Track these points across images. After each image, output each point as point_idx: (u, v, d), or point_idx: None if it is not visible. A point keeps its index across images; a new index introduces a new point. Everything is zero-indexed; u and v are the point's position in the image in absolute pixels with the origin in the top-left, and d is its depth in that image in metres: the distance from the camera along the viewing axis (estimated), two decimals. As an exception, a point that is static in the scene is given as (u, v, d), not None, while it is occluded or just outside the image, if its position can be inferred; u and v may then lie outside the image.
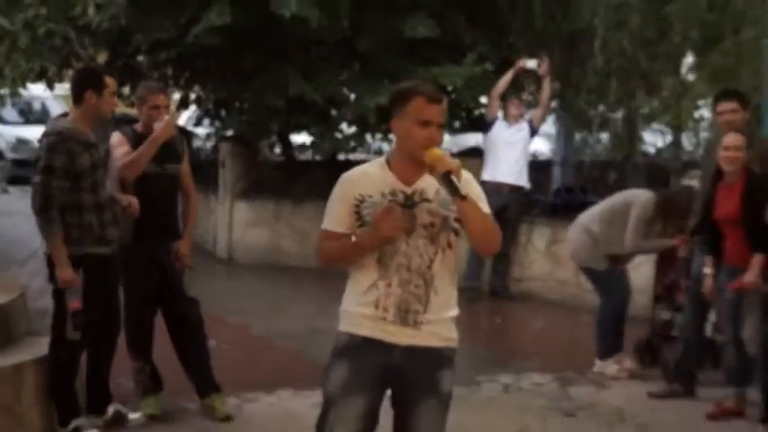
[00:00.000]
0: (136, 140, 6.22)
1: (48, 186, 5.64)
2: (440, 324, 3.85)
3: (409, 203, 3.77)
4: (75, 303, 5.70)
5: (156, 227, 6.35)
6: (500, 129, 11.01)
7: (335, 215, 3.85)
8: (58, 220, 5.67)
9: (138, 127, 6.41)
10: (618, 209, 8.06)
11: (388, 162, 3.90)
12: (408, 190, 3.78)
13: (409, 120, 3.75)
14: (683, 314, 7.70)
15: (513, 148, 10.94)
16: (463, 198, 3.56)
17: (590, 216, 8.23)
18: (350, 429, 3.82)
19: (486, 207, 3.80)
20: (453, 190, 3.54)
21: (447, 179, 3.53)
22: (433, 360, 3.86)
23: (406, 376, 3.84)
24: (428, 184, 3.77)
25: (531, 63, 11.15)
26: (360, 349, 3.83)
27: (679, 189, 8.68)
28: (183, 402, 6.60)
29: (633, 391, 7.49)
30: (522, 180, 11.01)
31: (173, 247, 6.43)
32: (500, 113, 11.03)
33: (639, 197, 8.08)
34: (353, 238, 3.83)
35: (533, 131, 11.28)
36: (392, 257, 3.77)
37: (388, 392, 3.93)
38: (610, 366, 7.96)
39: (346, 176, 3.91)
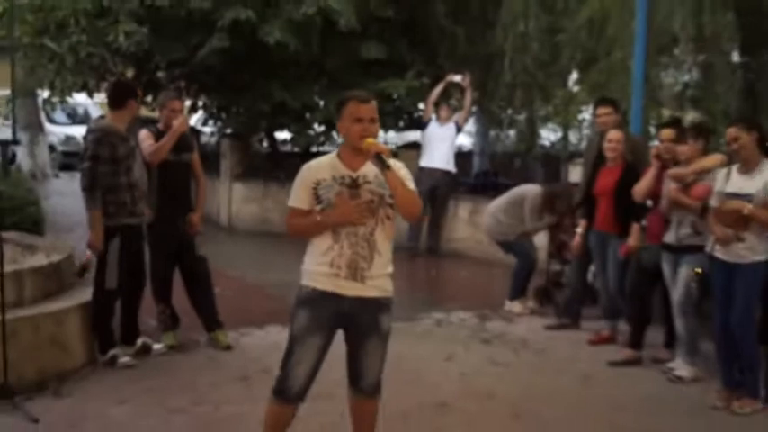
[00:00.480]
0: (158, 136, 6.28)
1: (94, 171, 5.75)
2: (380, 279, 3.95)
3: (354, 185, 3.87)
4: (88, 256, 5.93)
5: (174, 203, 6.39)
6: (433, 127, 11.02)
7: (299, 196, 3.95)
8: (99, 198, 5.77)
9: (160, 126, 6.41)
10: (514, 201, 8.18)
11: (338, 154, 3.98)
12: (354, 174, 3.89)
13: (347, 120, 3.90)
14: (569, 267, 7.81)
15: (444, 142, 10.96)
16: (389, 168, 3.70)
17: (495, 206, 8.31)
18: (309, 360, 3.92)
19: (411, 185, 3.91)
20: (382, 164, 3.71)
21: (378, 157, 3.71)
22: (375, 307, 3.95)
23: (354, 320, 3.94)
24: (369, 170, 3.88)
25: (456, 78, 11.18)
26: (318, 300, 3.91)
27: (560, 186, 8.77)
28: (195, 336, 6.59)
29: (533, 324, 7.56)
30: (450, 166, 11.03)
31: (187, 218, 6.44)
32: (433, 116, 11.05)
33: (530, 192, 8.20)
34: (318, 217, 3.88)
35: (459, 129, 11.30)
36: (343, 228, 3.86)
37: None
38: (516, 306, 8.05)
39: (306, 166, 4.02)
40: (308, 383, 3.97)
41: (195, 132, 11.38)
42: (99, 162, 5.78)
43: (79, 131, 12.70)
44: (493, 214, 8.31)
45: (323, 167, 3.97)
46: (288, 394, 3.95)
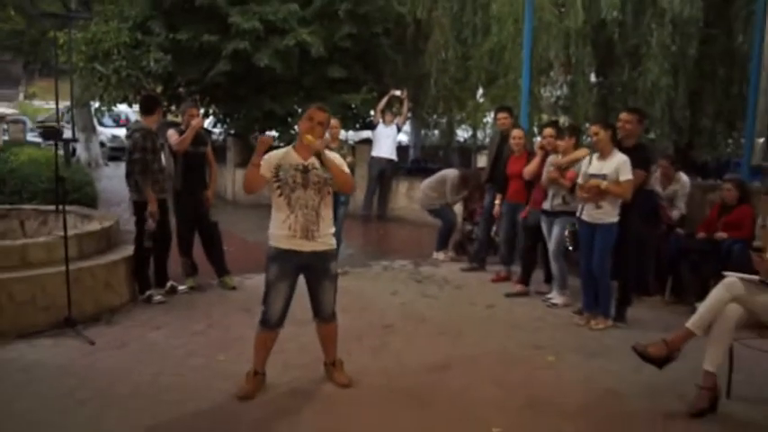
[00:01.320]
0: (182, 134, 6.15)
1: (145, 159, 5.71)
2: (326, 237, 3.98)
3: (305, 170, 3.90)
4: (152, 226, 5.76)
5: (194, 182, 6.26)
6: (381, 128, 10.91)
7: (264, 166, 3.89)
8: (150, 178, 5.71)
9: (183, 127, 6.26)
10: (439, 180, 8.11)
11: (294, 147, 4.00)
12: (305, 163, 3.92)
13: (304, 118, 3.93)
14: (478, 226, 7.83)
15: (388, 138, 10.87)
16: (320, 158, 3.80)
17: (426, 184, 8.22)
18: (281, 299, 3.95)
19: (345, 169, 3.98)
20: (318, 156, 3.81)
21: (315, 154, 3.81)
22: (324, 257, 3.99)
23: (310, 267, 3.99)
24: (316, 160, 3.88)
25: (397, 92, 11.11)
26: (282, 255, 3.93)
27: (471, 170, 8.79)
28: (209, 280, 6.49)
29: (453, 268, 7.54)
30: (393, 156, 10.94)
31: (203, 194, 6.33)
32: (380, 119, 10.96)
33: (450, 174, 8.17)
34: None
35: (399, 129, 11.20)
36: (297, 202, 3.89)
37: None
38: (441, 255, 8.05)
39: (273, 153, 4.00)
40: (283, 315, 3.97)
41: (208, 132, 11.23)
42: (147, 152, 5.73)
43: (122, 132, 12.64)
44: (424, 190, 8.28)
45: (284, 156, 3.96)
46: (269, 324, 3.97)
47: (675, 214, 6.58)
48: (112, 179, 13.49)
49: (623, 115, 5.59)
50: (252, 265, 6.83)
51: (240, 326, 5.18)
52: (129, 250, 5.95)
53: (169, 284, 6.15)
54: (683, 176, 6.74)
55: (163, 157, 6.08)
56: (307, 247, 3.90)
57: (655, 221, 6.42)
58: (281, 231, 3.93)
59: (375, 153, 10.87)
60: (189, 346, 4.79)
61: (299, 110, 12.36)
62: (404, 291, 6.57)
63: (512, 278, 6.88)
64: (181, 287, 6.23)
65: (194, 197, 6.27)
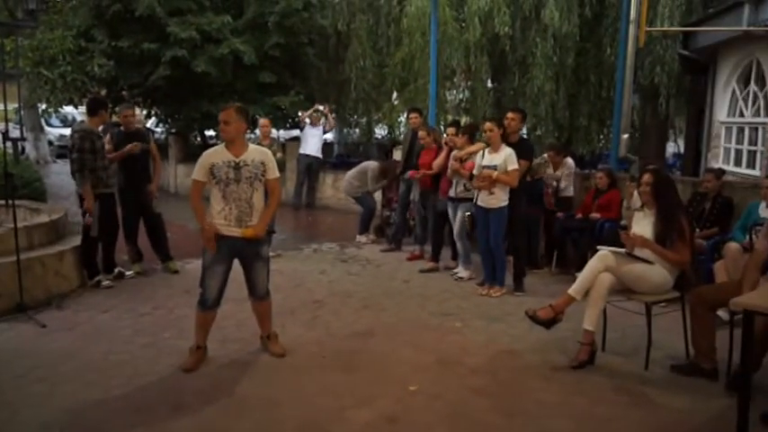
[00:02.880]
0: (118, 136, 5.95)
1: (82, 158, 5.38)
2: (258, 225, 3.85)
3: (237, 167, 3.76)
4: (89, 221, 5.46)
5: (136, 177, 6.01)
6: (308, 128, 10.74)
7: (198, 172, 3.82)
8: (88, 176, 5.41)
9: (122, 128, 6.03)
10: (361, 171, 8.06)
11: (225, 146, 3.83)
12: (236, 160, 3.78)
13: (221, 124, 3.81)
14: (395, 213, 7.84)
15: (314, 137, 10.71)
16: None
17: (350, 175, 8.15)
18: (217, 281, 3.82)
19: (276, 171, 3.90)
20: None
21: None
22: (256, 242, 3.87)
23: (244, 251, 3.86)
24: (247, 156, 3.79)
25: (320, 107, 11.01)
26: (219, 239, 3.77)
27: (388, 162, 8.79)
28: (153, 266, 6.23)
29: (374, 249, 7.54)
30: (319, 153, 10.78)
31: (147, 188, 6.05)
32: (308, 120, 10.81)
33: (371, 165, 8.14)
34: (205, 224, 3.78)
35: (325, 131, 11.15)
36: (231, 195, 3.76)
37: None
38: (363, 238, 8.03)
39: (205, 152, 3.90)
40: (219, 296, 3.86)
41: (151, 131, 10.80)
42: (84, 152, 5.40)
43: (67, 131, 11.94)
44: (348, 179, 8.20)
45: (215, 154, 3.81)
46: (206, 304, 3.85)
47: (564, 189, 6.75)
48: (60, 175, 12.80)
49: (510, 114, 5.72)
50: (193, 251, 6.61)
51: (183, 306, 5.01)
52: (77, 240, 5.66)
53: (117, 270, 5.88)
54: (569, 161, 6.97)
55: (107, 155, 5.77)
56: (239, 233, 3.78)
57: (539, 205, 6.63)
58: (217, 221, 3.79)
59: (303, 150, 10.73)
60: (136, 326, 4.59)
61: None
62: (331, 270, 6.52)
63: (425, 256, 6.93)
64: (128, 273, 5.96)
65: (137, 191, 6.01)
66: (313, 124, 10.76)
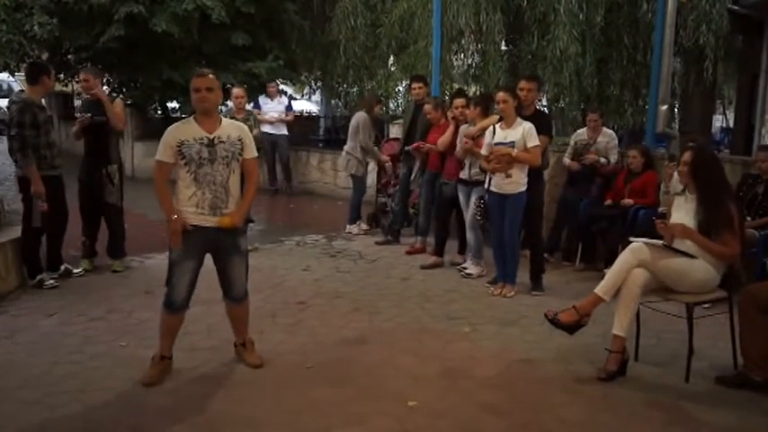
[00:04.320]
0: (83, 105, 6.06)
1: (23, 135, 5.33)
2: (235, 212, 3.83)
3: (211, 144, 3.72)
4: (44, 206, 5.42)
5: (91, 156, 6.06)
6: (266, 102, 10.89)
7: (164, 152, 3.74)
8: (31, 156, 5.36)
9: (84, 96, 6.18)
10: (353, 131, 7.95)
11: (195, 119, 3.78)
12: (210, 136, 3.73)
13: (192, 92, 3.72)
14: (393, 199, 7.86)
15: (274, 114, 10.73)
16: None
17: (346, 146, 8.09)
18: (186, 279, 3.79)
19: (254, 150, 3.90)
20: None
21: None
22: (234, 232, 3.85)
23: (219, 244, 3.83)
24: (222, 131, 3.75)
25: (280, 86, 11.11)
26: (188, 232, 3.72)
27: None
28: (109, 262, 6.25)
29: (367, 241, 7.59)
30: (282, 130, 10.78)
31: (107, 170, 6.02)
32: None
33: (359, 117, 7.96)
34: (173, 215, 3.71)
35: (289, 106, 11.16)
36: (204, 177, 3.72)
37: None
38: (354, 228, 8.07)
39: (170, 129, 3.81)
40: (188, 296, 3.82)
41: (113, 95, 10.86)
42: (25, 127, 5.36)
43: (3, 103, 11.92)
44: (345, 151, 8.11)
45: (183, 129, 3.74)
46: (173, 306, 3.81)
47: (610, 165, 6.75)
48: (-3, 155, 12.72)
49: (523, 83, 5.75)
50: (153, 245, 6.64)
51: (142, 309, 5.02)
52: (16, 231, 5.65)
53: (63, 267, 5.89)
54: (607, 130, 7.01)
55: (52, 130, 5.75)
56: (213, 222, 3.75)
57: (586, 191, 6.68)
58: (187, 208, 3.73)
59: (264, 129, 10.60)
60: (86, 333, 4.59)
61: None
62: (317, 266, 6.53)
63: (427, 249, 6.95)
64: (76, 270, 5.96)
65: (90, 174, 6.01)
66: (271, 97, 10.82)
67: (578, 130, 7.13)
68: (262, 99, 10.89)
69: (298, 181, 11.13)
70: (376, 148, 8.05)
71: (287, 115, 10.88)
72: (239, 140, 3.79)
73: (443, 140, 6.40)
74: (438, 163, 6.70)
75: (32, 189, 5.40)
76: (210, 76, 3.76)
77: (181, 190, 3.76)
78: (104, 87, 13.51)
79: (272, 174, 10.86)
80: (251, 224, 4.00)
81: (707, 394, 3.75)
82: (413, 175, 7.32)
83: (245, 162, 3.85)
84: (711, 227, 3.90)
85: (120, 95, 13.59)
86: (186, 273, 3.78)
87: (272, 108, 10.79)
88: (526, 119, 5.52)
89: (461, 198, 6.25)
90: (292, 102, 12.05)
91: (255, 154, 3.92)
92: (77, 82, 8.57)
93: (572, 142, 6.97)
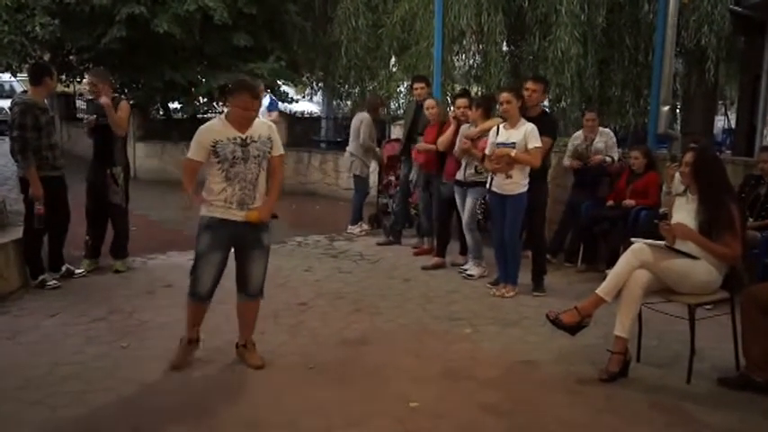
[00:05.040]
0: (88, 107, 6.08)
1: (24, 136, 5.34)
2: (263, 207, 3.97)
3: (244, 143, 3.84)
4: (41, 210, 5.42)
5: (97, 157, 6.07)
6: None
7: (196, 152, 3.86)
8: (31, 158, 5.37)
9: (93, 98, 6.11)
10: (355, 131, 8.01)
11: (227, 119, 3.87)
12: (243, 135, 3.84)
13: (240, 106, 3.81)
14: (394, 200, 7.86)
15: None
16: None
17: (350, 146, 8.16)
18: (212, 270, 3.92)
19: (281, 147, 4.06)
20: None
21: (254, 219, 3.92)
22: (257, 227, 3.96)
23: (244, 238, 3.95)
24: (254, 131, 3.88)
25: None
26: (217, 225, 3.89)
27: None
28: (111, 262, 6.24)
29: (368, 242, 7.59)
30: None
31: (112, 171, 6.02)
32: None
33: (362, 116, 8.05)
34: (194, 196, 3.87)
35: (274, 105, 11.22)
36: (236, 175, 3.85)
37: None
38: (355, 228, 8.07)
39: (203, 128, 3.91)
40: (213, 288, 3.97)
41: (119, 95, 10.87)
42: (26, 129, 5.37)
43: (6, 104, 11.95)
44: (348, 152, 8.15)
45: (217, 130, 3.85)
46: (198, 296, 3.97)
47: (616, 162, 6.76)
48: (-2, 155, 12.75)
49: (529, 84, 5.74)
50: (155, 245, 6.65)
51: (144, 310, 5.03)
52: (18, 233, 5.65)
53: (65, 268, 5.89)
54: (603, 129, 7.01)
55: (55, 131, 5.76)
56: (240, 217, 3.90)
57: (594, 192, 6.69)
58: (216, 202, 3.89)
59: None
60: (88, 333, 4.59)
61: (203, 80, 12.08)
62: (319, 267, 6.54)
63: (431, 251, 6.91)
64: (77, 271, 5.96)
65: (95, 174, 6.03)
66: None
67: (575, 133, 7.12)
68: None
69: (299, 182, 11.13)
70: (378, 149, 8.07)
71: (269, 115, 10.80)
72: (269, 139, 3.95)
73: (443, 139, 6.38)
74: (432, 165, 6.70)
75: (30, 192, 5.43)
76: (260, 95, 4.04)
77: (211, 184, 3.90)
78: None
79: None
80: (275, 219, 4.08)
81: (709, 395, 3.74)
82: (412, 175, 7.32)
83: (272, 159, 4.00)
84: (712, 228, 3.89)
85: (122, 96, 13.68)
86: (211, 265, 3.92)
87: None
88: (531, 120, 5.51)
89: (458, 199, 6.26)
90: (294, 102, 12.05)
91: (282, 151, 4.08)
92: (79, 82, 8.54)
93: (570, 145, 6.96)
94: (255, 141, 3.87)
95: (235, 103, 3.82)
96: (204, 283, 3.92)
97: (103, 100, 5.84)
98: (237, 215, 3.88)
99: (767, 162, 5.68)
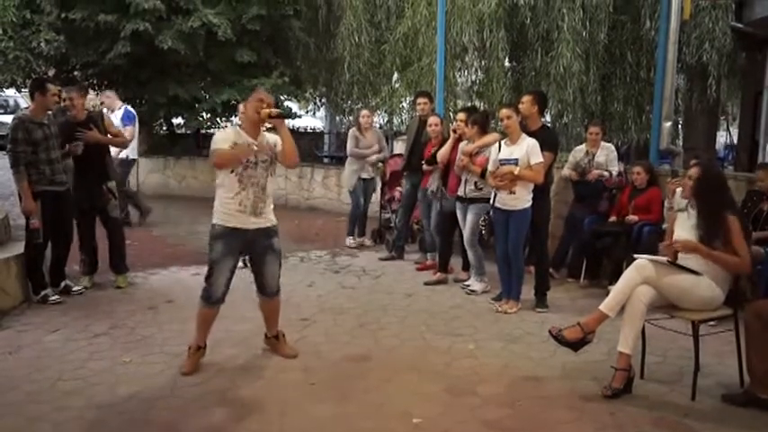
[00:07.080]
0: (63, 126, 5.90)
1: (16, 151, 5.38)
2: (270, 213, 4.28)
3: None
4: (36, 224, 5.46)
5: (90, 173, 6.00)
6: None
7: (221, 145, 4.07)
8: (24, 173, 5.41)
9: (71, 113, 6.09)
10: (351, 138, 8.02)
11: (240, 127, 4.24)
12: (255, 142, 4.16)
13: (253, 99, 4.17)
14: (397, 215, 7.86)
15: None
16: (282, 118, 4.18)
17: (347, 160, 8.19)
18: (224, 277, 4.17)
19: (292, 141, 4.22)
20: (279, 115, 4.12)
21: (278, 115, 4.14)
22: (269, 232, 4.27)
23: (256, 243, 4.24)
24: (263, 138, 4.21)
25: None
26: (229, 233, 4.13)
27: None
28: (111, 277, 6.24)
29: (371, 257, 7.59)
30: (131, 153, 9.62)
31: (103, 186, 6.03)
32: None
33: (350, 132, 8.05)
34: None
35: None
36: (249, 179, 4.13)
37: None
38: (350, 240, 8.12)
39: (221, 133, 4.27)
40: (225, 292, 4.20)
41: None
42: (17, 144, 5.39)
43: (9, 119, 11.97)
44: (346, 165, 8.18)
45: (233, 135, 4.14)
46: (211, 300, 4.19)
47: (614, 177, 6.74)
48: (1, 170, 12.75)
49: (522, 98, 5.79)
50: (157, 260, 6.65)
51: (146, 325, 5.02)
52: (20, 247, 5.66)
53: (63, 284, 5.88)
54: (605, 143, 7.02)
55: (55, 146, 5.67)
56: (254, 224, 4.15)
57: (594, 207, 6.68)
58: (230, 207, 4.11)
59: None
60: (90, 349, 4.59)
61: (206, 95, 12.14)
62: (321, 282, 6.54)
63: (435, 267, 6.88)
64: (75, 287, 5.93)
65: (90, 191, 5.99)
66: (111, 109, 9.16)
67: (577, 147, 7.14)
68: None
69: (302, 197, 11.14)
70: (361, 151, 8.02)
71: (125, 130, 8.49)
72: (275, 145, 4.23)
73: (442, 153, 6.39)
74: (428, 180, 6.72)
75: (21, 206, 5.47)
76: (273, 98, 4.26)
77: (223, 192, 4.15)
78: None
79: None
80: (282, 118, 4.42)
81: (713, 412, 3.72)
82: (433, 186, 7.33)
83: (279, 152, 4.23)
84: (711, 241, 3.89)
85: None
86: (225, 271, 4.16)
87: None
88: (532, 135, 5.53)
89: (459, 214, 6.26)
90: (297, 118, 12.05)
91: None
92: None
93: (572, 156, 6.98)
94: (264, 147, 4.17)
95: (249, 99, 4.16)
96: (218, 288, 4.15)
97: (89, 135, 5.88)
98: (249, 222, 4.12)
99: (764, 180, 5.71)
